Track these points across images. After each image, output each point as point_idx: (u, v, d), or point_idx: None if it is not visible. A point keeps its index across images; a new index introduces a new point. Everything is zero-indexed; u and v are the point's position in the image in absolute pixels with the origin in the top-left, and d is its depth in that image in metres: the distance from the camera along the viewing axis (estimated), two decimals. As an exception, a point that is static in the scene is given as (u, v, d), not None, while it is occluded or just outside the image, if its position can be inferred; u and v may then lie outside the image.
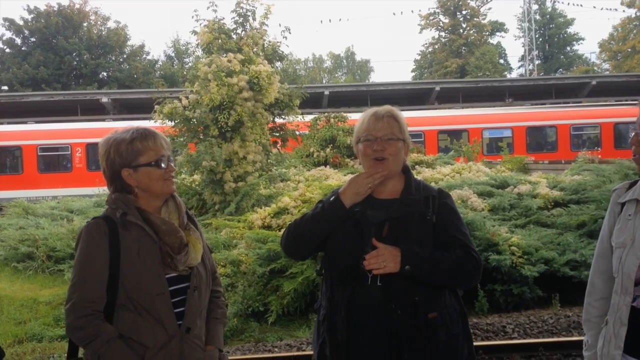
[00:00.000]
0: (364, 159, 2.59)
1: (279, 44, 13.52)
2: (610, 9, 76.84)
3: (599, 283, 2.56)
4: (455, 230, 2.54)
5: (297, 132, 14.20)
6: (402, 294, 2.41)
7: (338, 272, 2.52)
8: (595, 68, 59.37)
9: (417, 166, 15.58)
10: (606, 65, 59.76)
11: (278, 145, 13.87)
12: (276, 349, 6.56)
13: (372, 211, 2.52)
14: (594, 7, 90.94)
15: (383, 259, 2.37)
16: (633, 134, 2.36)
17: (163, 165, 2.45)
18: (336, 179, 12.52)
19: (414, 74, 61.11)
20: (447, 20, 55.07)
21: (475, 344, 6.09)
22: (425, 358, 2.42)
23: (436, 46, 56.52)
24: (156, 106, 12.59)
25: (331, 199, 2.56)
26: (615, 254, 2.42)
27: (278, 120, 13.79)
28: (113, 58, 46.37)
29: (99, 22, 47.08)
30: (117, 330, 2.33)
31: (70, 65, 43.24)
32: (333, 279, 2.54)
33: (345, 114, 19.38)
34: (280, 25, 13.83)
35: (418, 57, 60.24)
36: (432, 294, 2.46)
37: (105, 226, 2.37)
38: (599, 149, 23.68)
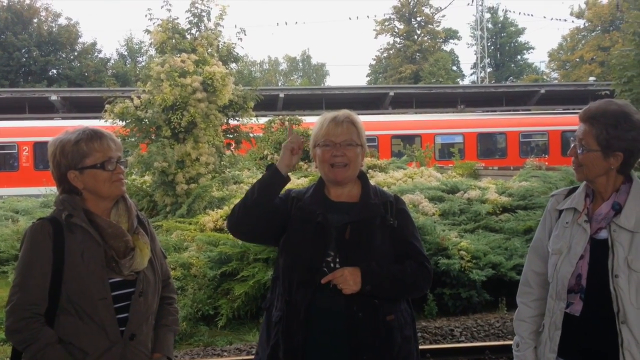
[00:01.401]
0: (322, 164, 2.60)
1: (234, 45, 13.44)
2: (560, 19, 79.25)
3: (534, 284, 2.62)
4: (414, 239, 2.60)
5: (251, 135, 14.13)
6: (363, 297, 2.43)
7: (299, 275, 2.50)
8: (545, 77, 60.86)
9: (370, 170, 15.66)
10: (555, 75, 61.35)
11: (232, 147, 13.78)
12: (225, 353, 6.50)
13: (332, 214, 2.53)
14: (544, 17, 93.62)
15: (343, 280, 2.40)
16: (572, 145, 2.44)
17: (110, 167, 2.40)
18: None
19: (368, 78, 61.56)
20: (402, 27, 55.62)
21: (423, 347, 6.18)
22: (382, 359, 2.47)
23: (391, 51, 57.00)
24: (107, 105, 12.35)
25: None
26: (551, 259, 2.49)
27: (232, 122, 13.69)
28: (64, 55, 45.41)
29: (49, 19, 46.06)
30: (57, 334, 2.28)
31: (19, 62, 42.19)
32: (292, 282, 2.51)
33: (300, 117, 19.38)
34: (235, 26, 13.79)
35: (373, 62, 60.69)
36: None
37: (50, 228, 2.32)
38: (547, 156, 24.29)
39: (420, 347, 5.94)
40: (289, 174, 2.58)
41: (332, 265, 2.46)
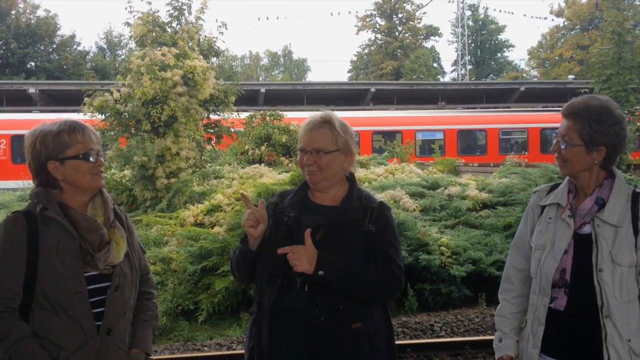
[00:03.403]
0: (301, 168, 2.60)
1: (215, 39, 13.35)
2: (540, 18, 79.82)
3: (516, 281, 2.63)
4: (390, 246, 2.53)
5: (232, 129, 14.06)
6: (327, 301, 2.39)
7: (266, 274, 2.49)
8: (524, 74, 61.35)
9: (350, 166, 15.65)
10: (534, 72, 61.89)
11: (212, 142, 13.69)
12: (206, 348, 6.47)
13: (308, 216, 2.52)
14: (525, 15, 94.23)
15: (297, 256, 2.34)
16: (555, 141, 2.46)
17: (91, 159, 2.38)
18: (270, 177, 12.46)
19: (350, 74, 61.57)
20: (383, 23, 55.72)
21: (403, 342, 6.21)
22: None
23: (372, 48, 57.09)
24: (86, 98, 12.21)
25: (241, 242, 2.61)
26: (534, 255, 2.50)
27: (213, 117, 13.60)
28: (42, 48, 44.88)
29: (27, 11, 45.49)
30: (32, 329, 2.25)
31: (-4, 54, 41.60)
32: (262, 282, 2.51)
33: (281, 112, 19.34)
34: (216, 20, 13.67)
35: (354, 58, 60.70)
36: (358, 303, 2.44)
37: (23, 221, 2.29)
38: (526, 152, 24.48)
39: (401, 342, 6.00)
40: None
41: None
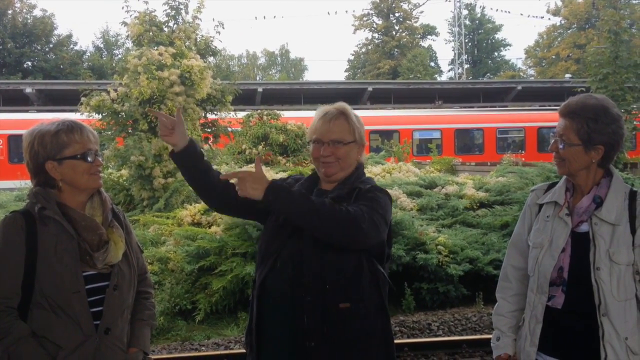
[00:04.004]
0: (313, 160, 2.60)
1: (212, 38, 13.33)
2: (537, 17, 79.85)
3: (514, 280, 2.64)
4: (365, 200, 2.44)
5: (230, 129, 14.05)
6: (312, 280, 2.36)
7: (260, 257, 2.54)
8: (521, 74, 61.39)
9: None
10: (531, 71, 61.96)
11: (210, 142, 13.68)
12: (203, 348, 6.47)
13: None
14: (521, 14, 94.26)
15: (242, 182, 2.31)
16: (553, 140, 2.46)
17: (89, 158, 2.39)
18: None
19: (347, 73, 61.56)
20: (380, 22, 55.73)
21: (401, 341, 6.21)
22: (333, 349, 2.35)
23: (369, 47, 57.10)
24: (83, 98, 12.19)
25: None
26: (532, 253, 2.51)
27: (210, 116, 13.59)
28: (39, 47, 44.82)
29: (24, 10, 45.39)
30: (31, 328, 2.25)
31: (-8, 54, 41.53)
32: (257, 264, 2.56)
33: (278, 112, 19.32)
34: (213, 20, 13.67)
35: (351, 57, 60.75)
36: (345, 282, 2.39)
37: (22, 221, 2.30)
38: (523, 152, 24.49)
39: (398, 341, 6.00)
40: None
41: (289, 247, 2.43)
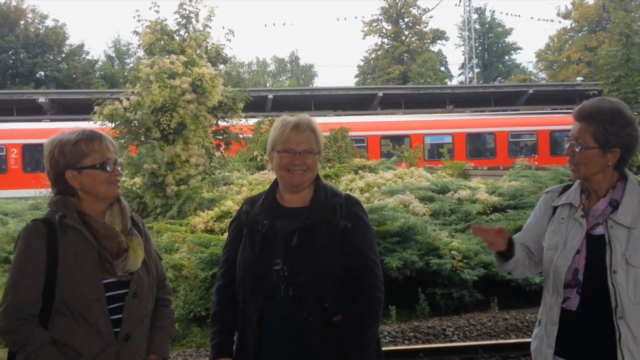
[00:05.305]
0: (280, 170, 2.58)
1: (222, 46, 13.41)
2: (547, 20, 79.60)
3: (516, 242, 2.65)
4: (370, 251, 2.57)
5: (241, 136, 14.10)
6: (313, 301, 2.43)
7: (249, 285, 2.51)
8: (532, 77, 61.16)
9: (360, 171, 15.65)
10: (542, 75, 61.68)
11: (221, 149, 13.74)
12: (218, 355, 6.47)
13: (281, 221, 2.55)
14: (532, 17, 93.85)
15: None
16: (568, 144, 2.46)
17: (108, 168, 2.41)
18: (268, 179, 12.47)
19: (357, 79, 61.54)
20: (389, 27, 55.68)
21: (416, 346, 6.19)
22: None
23: (379, 52, 57.05)
24: (96, 107, 12.29)
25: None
26: (546, 255, 2.52)
27: (221, 124, 13.66)
28: (51, 57, 45.19)
29: (36, 20, 45.85)
30: (52, 335, 2.27)
31: (6, 64, 41.97)
32: (245, 292, 2.53)
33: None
34: (223, 27, 13.73)
35: (361, 63, 60.69)
36: (341, 299, 2.49)
37: (43, 229, 2.32)
38: (536, 155, 24.36)
39: (413, 346, 6.00)
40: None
41: (280, 273, 2.46)
